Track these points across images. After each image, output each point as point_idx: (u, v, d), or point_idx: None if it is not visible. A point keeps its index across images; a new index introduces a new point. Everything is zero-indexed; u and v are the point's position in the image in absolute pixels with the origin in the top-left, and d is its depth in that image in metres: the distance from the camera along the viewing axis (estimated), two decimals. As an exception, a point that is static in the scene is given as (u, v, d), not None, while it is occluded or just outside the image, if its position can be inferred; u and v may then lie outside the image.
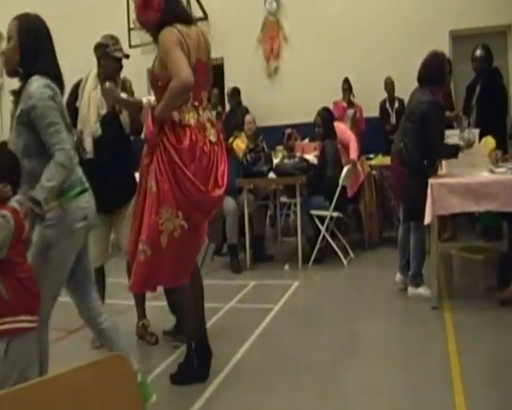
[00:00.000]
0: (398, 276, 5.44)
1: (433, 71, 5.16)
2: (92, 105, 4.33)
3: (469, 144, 5.04)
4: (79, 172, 3.08)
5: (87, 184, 3.08)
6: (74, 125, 4.28)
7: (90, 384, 1.58)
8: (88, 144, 4.26)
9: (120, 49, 4.35)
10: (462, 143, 5.06)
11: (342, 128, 7.41)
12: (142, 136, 4.58)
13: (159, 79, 3.44)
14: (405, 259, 5.34)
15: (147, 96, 4.30)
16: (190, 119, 3.40)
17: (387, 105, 8.88)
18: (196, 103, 3.46)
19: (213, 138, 3.47)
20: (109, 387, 1.63)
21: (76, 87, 4.45)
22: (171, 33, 3.34)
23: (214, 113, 10.03)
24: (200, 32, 3.59)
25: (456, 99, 8.34)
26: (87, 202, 3.05)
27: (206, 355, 3.84)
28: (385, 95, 8.96)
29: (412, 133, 5.08)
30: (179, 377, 3.78)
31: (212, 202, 3.50)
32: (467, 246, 5.83)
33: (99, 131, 4.30)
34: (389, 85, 8.87)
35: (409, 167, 5.11)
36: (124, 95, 4.17)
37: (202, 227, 3.63)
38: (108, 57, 4.28)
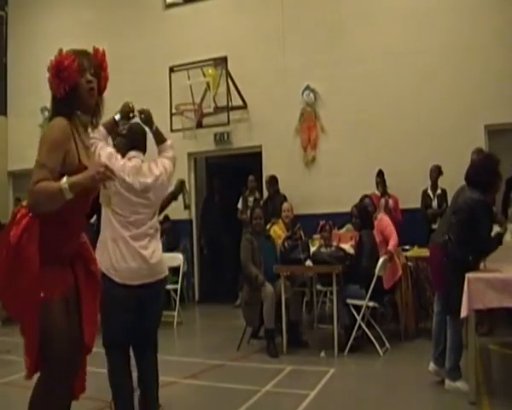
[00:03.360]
0: (432, 365, 5.42)
1: (486, 175, 5.11)
2: None
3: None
4: None
5: None
6: None
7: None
8: None
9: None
10: (499, 229, 5.19)
11: (386, 221, 7.56)
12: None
13: None
14: (440, 349, 5.32)
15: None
16: None
17: (429, 191, 9.03)
18: None
19: None
20: None
21: None
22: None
23: (252, 199, 10.31)
24: None
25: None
26: None
27: None
28: (421, 186, 9.12)
29: (458, 230, 5.09)
30: None
31: None
32: (506, 341, 5.79)
33: None
34: (434, 172, 8.96)
35: (452, 262, 5.09)
36: None
37: None
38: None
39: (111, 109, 11.99)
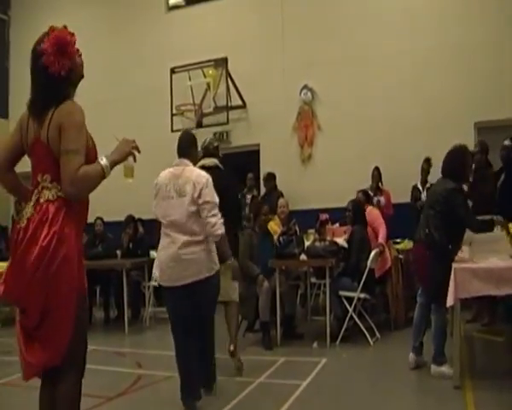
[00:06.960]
0: (411, 355, 5.61)
1: (455, 166, 5.42)
2: None
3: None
4: None
5: None
6: None
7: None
8: None
9: None
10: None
11: (375, 214, 7.76)
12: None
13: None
14: (419, 340, 5.56)
15: None
16: None
17: (419, 185, 9.18)
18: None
19: (22, 223, 2.83)
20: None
21: None
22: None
23: (250, 196, 10.43)
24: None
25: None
26: None
27: None
28: (413, 181, 9.28)
29: (437, 220, 5.30)
30: None
31: None
32: (489, 328, 5.92)
33: None
34: (424, 165, 9.12)
35: (434, 252, 5.28)
36: None
37: None
38: None
39: (114, 110, 12.31)
